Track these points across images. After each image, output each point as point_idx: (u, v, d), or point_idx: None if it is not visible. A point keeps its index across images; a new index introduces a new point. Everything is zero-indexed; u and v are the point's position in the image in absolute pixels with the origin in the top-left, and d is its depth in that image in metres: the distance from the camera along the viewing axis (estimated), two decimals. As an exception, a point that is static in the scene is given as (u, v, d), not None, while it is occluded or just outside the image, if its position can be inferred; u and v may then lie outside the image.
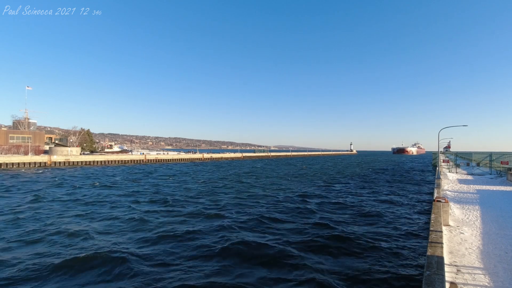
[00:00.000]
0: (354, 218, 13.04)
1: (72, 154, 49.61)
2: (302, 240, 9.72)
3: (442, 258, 4.53)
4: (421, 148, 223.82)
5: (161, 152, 79.56)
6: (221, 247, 8.79)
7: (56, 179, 27.20)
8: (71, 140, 62.87)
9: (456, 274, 4.87)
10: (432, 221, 6.87)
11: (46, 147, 53.50)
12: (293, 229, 11.07)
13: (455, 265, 5.25)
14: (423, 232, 10.63)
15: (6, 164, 39.18)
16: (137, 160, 57.76)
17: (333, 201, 17.29)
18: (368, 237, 10.04)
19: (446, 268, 4.86)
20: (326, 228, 11.22)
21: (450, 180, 19.30)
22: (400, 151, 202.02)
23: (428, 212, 13.66)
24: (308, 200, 17.52)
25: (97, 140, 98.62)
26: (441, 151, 71.19)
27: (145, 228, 11.10)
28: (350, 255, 8.44)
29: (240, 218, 12.66)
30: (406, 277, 6.96)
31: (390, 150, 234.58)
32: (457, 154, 47.70)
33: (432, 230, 6.14)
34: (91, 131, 74.49)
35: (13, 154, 46.90)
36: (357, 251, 8.71)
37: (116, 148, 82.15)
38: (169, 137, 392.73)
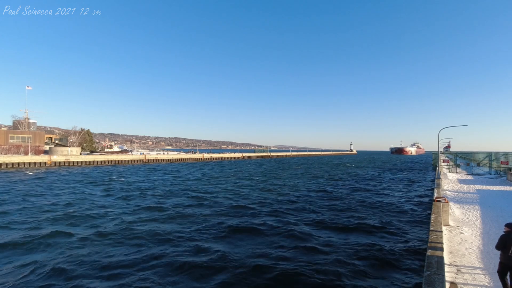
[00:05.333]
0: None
1: (72, 154, 49.60)
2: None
3: (442, 258, 4.53)
4: (420, 148, 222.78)
5: (161, 152, 79.56)
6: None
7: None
8: (71, 140, 62.85)
9: (456, 274, 4.87)
10: (432, 221, 6.87)
11: (46, 147, 53.49)
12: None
13: (455, 265, 5.26)
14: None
15: (6, 164, 39.19)
16: (137, 160, 57.77)
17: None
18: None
19: (446, 268, 4.87)
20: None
21: (450, 180, 19.30)
22: (399, 151, 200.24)
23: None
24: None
25: (97, 140, 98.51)
26: (441, 151, 71.20)
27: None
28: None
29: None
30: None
31: (388, 150, 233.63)
32: (457, 154, 47.70)
33: (432, 230, 6.15)
34: (91, 131, 74.51)
35: (13, 154, 46.88)
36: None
37: (116, 148, 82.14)
38: (169, 137, 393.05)
